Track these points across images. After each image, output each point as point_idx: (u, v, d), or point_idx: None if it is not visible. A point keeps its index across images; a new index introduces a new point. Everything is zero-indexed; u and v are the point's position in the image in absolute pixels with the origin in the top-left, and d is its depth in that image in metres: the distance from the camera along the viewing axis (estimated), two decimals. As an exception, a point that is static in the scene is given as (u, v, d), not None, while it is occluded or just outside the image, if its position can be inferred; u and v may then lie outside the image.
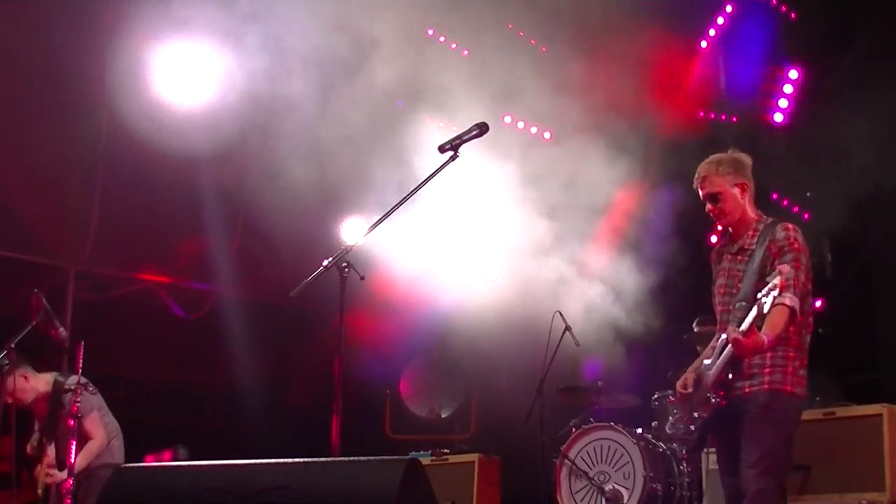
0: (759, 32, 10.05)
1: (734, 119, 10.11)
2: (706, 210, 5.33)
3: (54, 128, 8.66)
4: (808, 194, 9.37)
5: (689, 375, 5.31)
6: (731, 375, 5.04)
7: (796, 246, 5.07)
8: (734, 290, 5.21)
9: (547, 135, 9.74)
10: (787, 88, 9.73)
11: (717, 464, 5.31)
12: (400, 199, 5.10)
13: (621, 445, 7.61)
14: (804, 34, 9.62)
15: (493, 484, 8.34)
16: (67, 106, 8.70)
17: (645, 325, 8.88)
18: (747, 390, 5.07)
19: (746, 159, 5.32)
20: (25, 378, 6.98)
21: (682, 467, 7.64)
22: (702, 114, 10.14)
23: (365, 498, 3.93)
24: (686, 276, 9.26)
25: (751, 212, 5.29)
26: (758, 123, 9.94)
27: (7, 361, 6.49)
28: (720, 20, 10.14)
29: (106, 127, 8.97)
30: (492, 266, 9.49)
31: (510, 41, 9.44)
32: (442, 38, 9.62)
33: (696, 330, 8.32)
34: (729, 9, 10.06)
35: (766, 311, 4.79)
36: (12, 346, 6.52)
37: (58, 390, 6.85)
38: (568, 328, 8.17)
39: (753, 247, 5.19)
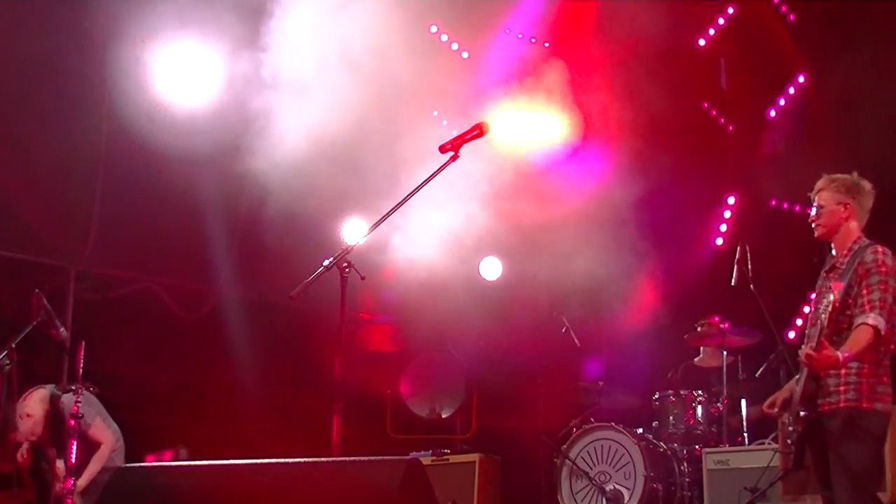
0: (761, 33, 10.05)
1: (730, 128, 10.11)
2: (809, 219, 5.57)
3: (54, 127, 8.64)
4: (810, 194, 9.35)
5: (779, 394, 5.55)
6: (813, 391, 5.19)
7: (884, 269, 5.22)
8: (818, 307, 5.34)
9: (549, 128, 9.73)
10: (790, 90, 9.74)
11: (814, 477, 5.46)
12: (400, 200, 5.11)
13: (622, 445, 7.62)
14: (805, 35, 9.61)
15: (493, 484, 8.34)
16: (68, 106, 8.68)
17: (646, 324, 8.87)
18: (826, 408, 5.19)
19: (866, 186, 5.52)
20: (29, 415, 7.02)
21: (682, 467, 7.65)
22: (706, 105, 10.14)
23: (366, 498, 3.93)
24: (687, 277, 9.25)
25: (853, 233, 5.45)
26: (758, 123, 9.95)
27: (8, 362, 6.48)
28: (721, 21, 10.13)
29: (106, 127, 8.95)
30: (492, 266, 9.48)
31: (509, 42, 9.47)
32: (444, 37, 9.62)
33: (698, 330, 8.33)
34: (730, 10, 10.06)
35: (825, 325, 4.97)
36: (13, 346, 6.52)
37: (55, 405, 6.85)
38: (569, 328, 8.18)
39: (844, 267, 5.34)
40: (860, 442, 5.09)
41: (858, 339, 5.06)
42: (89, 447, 6.93)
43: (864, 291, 5.16)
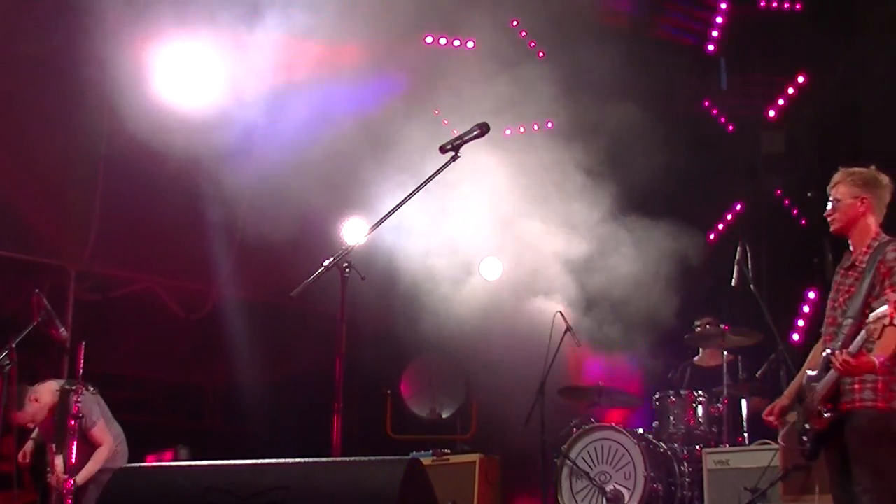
0: (760, 31, 10.05)
1: (730, 128, 10.11)
2: (826, 213, 5.42)
3: (55, 128, 8.65)
4: (809, 194, 9.38)
5: (777, 403, 5.53)
6: (836, 391, 5.12)
7: None
8: (837, 304, 5.28)
9: (549, 124, 9.76)
10: (790, 90, 9.73)
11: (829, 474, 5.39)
12: (401, 200, 5.11)
13: (622, 446, 7.61)
14: (806, 31, 9.61)
15: (493, 484, 8.34)
16: (68, 106, 8.69)
17: (646, 324, 8.87)
18: (845, 407, 5.11)
19: (884, 180, 5.35)
20: (37, 400, 7.04)
21: (682, 467, 7.64)
22: (707, 103, 10.14)
23: (366, 498, 3.93)
24: (687, 276, 9.24)
25: (871, 228, 5.30)
26: (758, 123, 9.95)
27: (8, 362, 6.49)
28: (719, 19, 10.13)
29: (107, 127, 8.96)
30: (492, 266, 9.47)
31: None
32: (443, 41, 9.63)
33: (697, 330, 8.33)
34: (724, 6, 10.04)
35: (875, 337, 4.83)
36: (13, 346, 6.52)
37: (64, 399, 6.86)
38: (569, 328, 8.17)
39: (864, 264, 5.22)
40: (880, 442, 4.99)
41: (889, 341, 4.89)
42: (90, 448, 6.96)
43: (888, 291, 4.99)
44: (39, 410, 7.03)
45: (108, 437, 7.08)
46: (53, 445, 6.96)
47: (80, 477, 6.79)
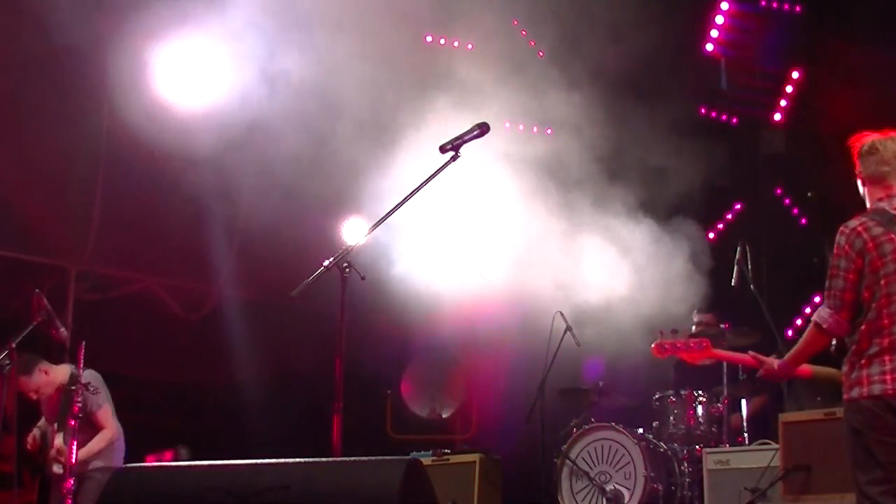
0: (760, 30, 10.05)
1: (734, 120, 10.10)
2: None
3: (55, 127, 8.65)
4: (809, 194, 9.38)
5: None
6: None
7: (836, 251, 4.82)
8: None
9: (549, 131, 9.76)
10: (788, 88, 9.74)
11: None
12: (401, 199, 5.11)
13: (622, 445, 7.61)
14: (805, 30, 9.62)
15: (493, 484, 8.33)
16: (69, 105, 8.69)
17: (647, 323, 8.85)
18: None
19: (865, 147, 4.91)
20: (46, 373, 7.08)
21: (682, 467, 7.64)
22: (703, 110, 10.14)
23: (366, 498, 3.93)
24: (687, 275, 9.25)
25: (868, 202, 4.95)
26: (758, 123, 9.95)
27: (8, 361, 6.49)
28: (720, 19, 10.12)
29: (107, 126, 8.96)
30: (492, 265, 9.47)
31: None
32: (443, 41, 9.63)
33: (693, 329, 8.31)
34: (725, 6, 10.03)
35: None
36: (13, 346, 6.53)
37: (73, 382, 6.87)
38: (569, 328, 8.17)
39: None
40: (845, 435, 4.82)
41: (803, 338, 4.88)
42: (93, 433, 6.99)
43: None
44: (46, 384, 7.06)
45: (112, 423, 7.11)
46: (55, 425, 6.98)
47: (83, 453, 6.76)
